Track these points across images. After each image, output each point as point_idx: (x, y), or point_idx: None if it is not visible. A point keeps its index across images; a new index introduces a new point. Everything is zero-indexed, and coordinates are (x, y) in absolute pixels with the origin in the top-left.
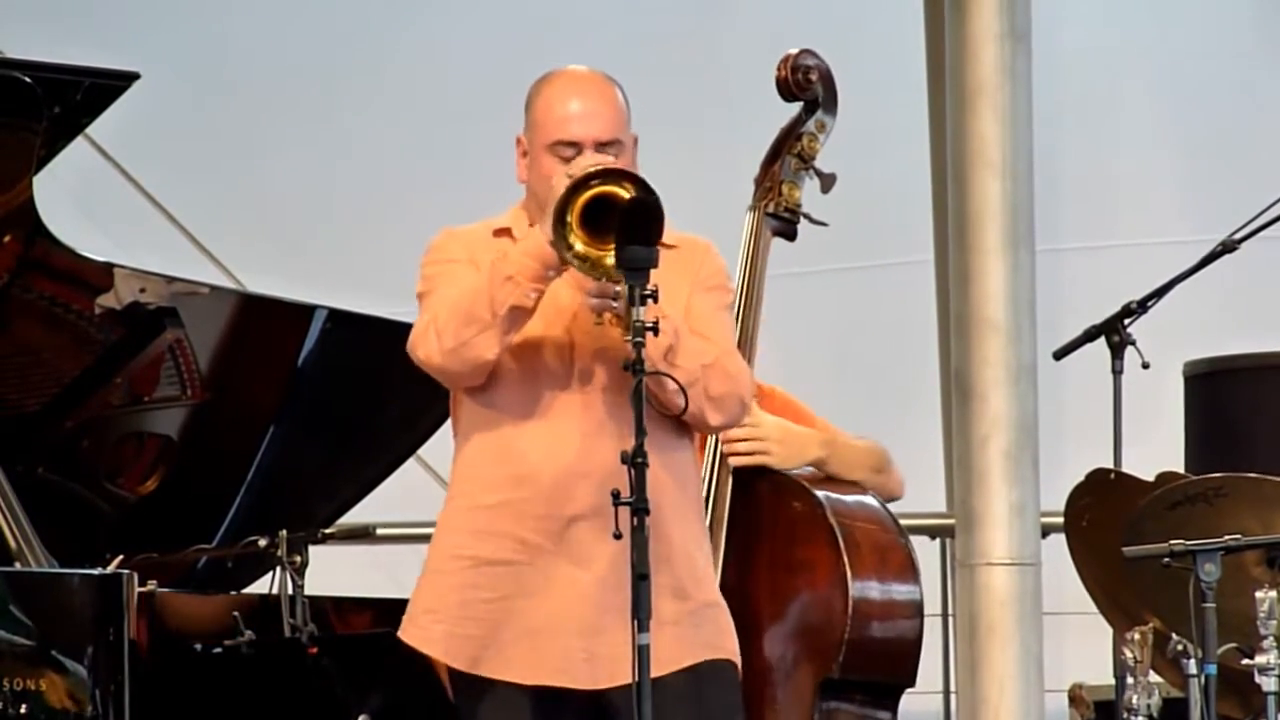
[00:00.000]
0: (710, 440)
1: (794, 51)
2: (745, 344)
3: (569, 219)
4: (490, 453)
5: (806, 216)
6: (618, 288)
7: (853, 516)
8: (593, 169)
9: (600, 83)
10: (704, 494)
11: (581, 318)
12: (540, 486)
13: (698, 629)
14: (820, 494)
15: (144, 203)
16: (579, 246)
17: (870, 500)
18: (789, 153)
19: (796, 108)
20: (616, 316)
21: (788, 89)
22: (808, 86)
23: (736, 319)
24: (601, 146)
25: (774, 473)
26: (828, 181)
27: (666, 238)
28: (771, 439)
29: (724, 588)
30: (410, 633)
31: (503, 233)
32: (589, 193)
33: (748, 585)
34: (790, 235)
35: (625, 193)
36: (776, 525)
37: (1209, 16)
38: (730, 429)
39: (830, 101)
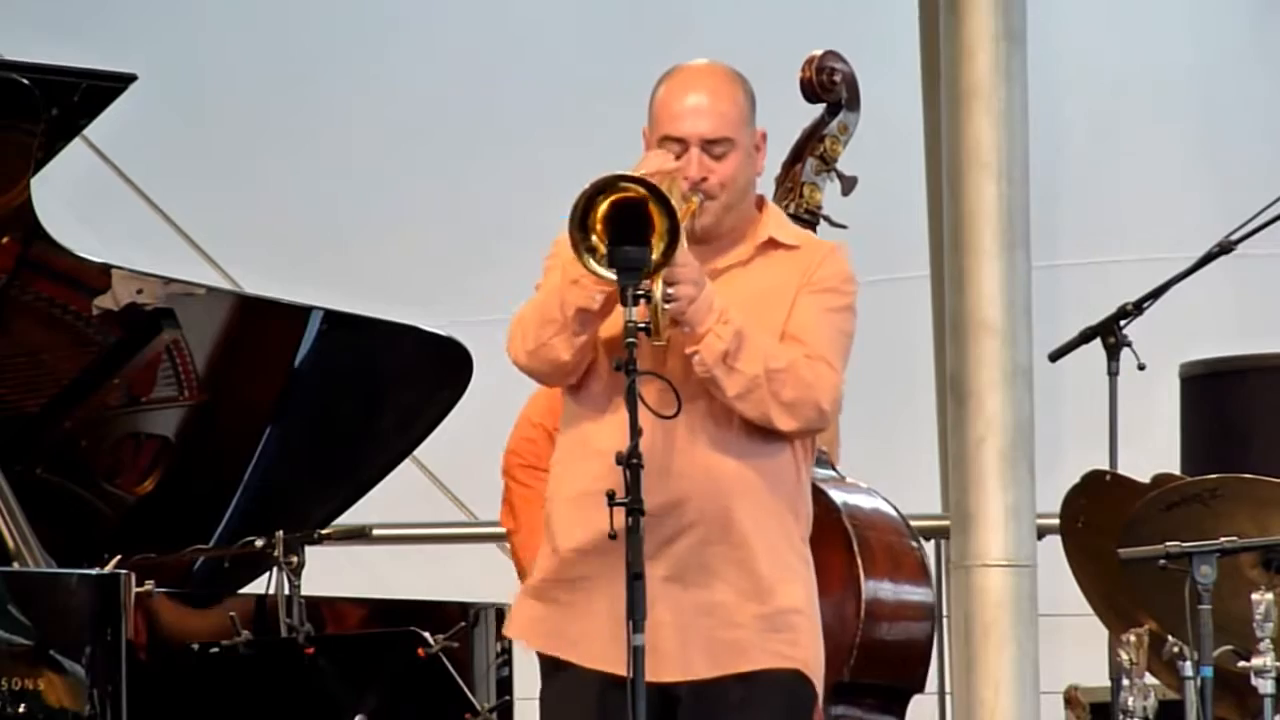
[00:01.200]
0: None
1: (818, 53)
2: None
3: (590, 223)
4: (575, 447)
5: (827, 219)
6: (657, 292)
7: (867, 521)
8: (614, 175)
9: (717, 79)
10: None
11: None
12: (614, 481)
13: (773, 634)
14: (837, 498)
15: (141, 204)
16: (601, 248)
17: (884, 505)
18: (811, 154)
19: (816, 109)
20: (670, 319)
21: (812, 90)
22: (832, 88)
23: None
24: (708, 144)
25: None
26: (849, 184)
27: (788, 238)
28: None
29: None
30: (514, 629)
31: None
32: (614, 195)
33: None
34: None
35: (643, 200)
36: None
37: (1207, 27)
38: (808, 436)
39: (853, 104)
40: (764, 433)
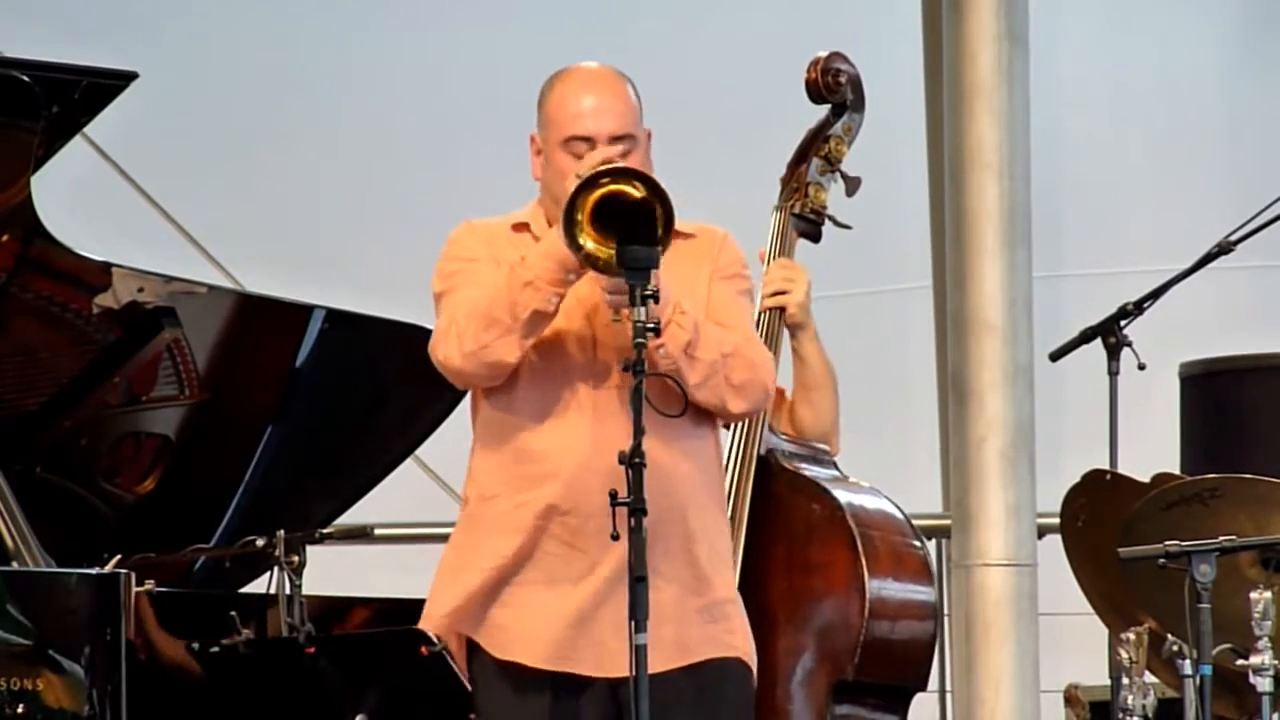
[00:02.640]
0: (731, 438)
1: (823, 54)
2: (772, 342)
3: (578, 217)
4: (510, 449)
5: (832, 219)
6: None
7: (870, 519)
8: (601, 168)
9: (612, 78)
10: (726, 488)
11: (602, 312)
12: (559, 483)
13: (712, 625)
14: (841, 497)
15: (142, 202)
16: (589, 245)
17: (888, 505)
18: (816, 154)
19: (821, 109)
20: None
21: (817, 91)
22: (837, 89)
23: (762, 318)
24: (615, 140)
25: (793, 473)
26: (853, 184)
27: (684, 226)
28: (800, 291)
29: (740, 587)
30: (432, 623)
31: (521, 227)
32: (598, 192)
33: (764, 585)
34: (815, 237)
35: (635, 192)
36: (794, 526)
37: (1202, 40)
38: (753, 415)
39: (858, 105)
40: (698, 420)
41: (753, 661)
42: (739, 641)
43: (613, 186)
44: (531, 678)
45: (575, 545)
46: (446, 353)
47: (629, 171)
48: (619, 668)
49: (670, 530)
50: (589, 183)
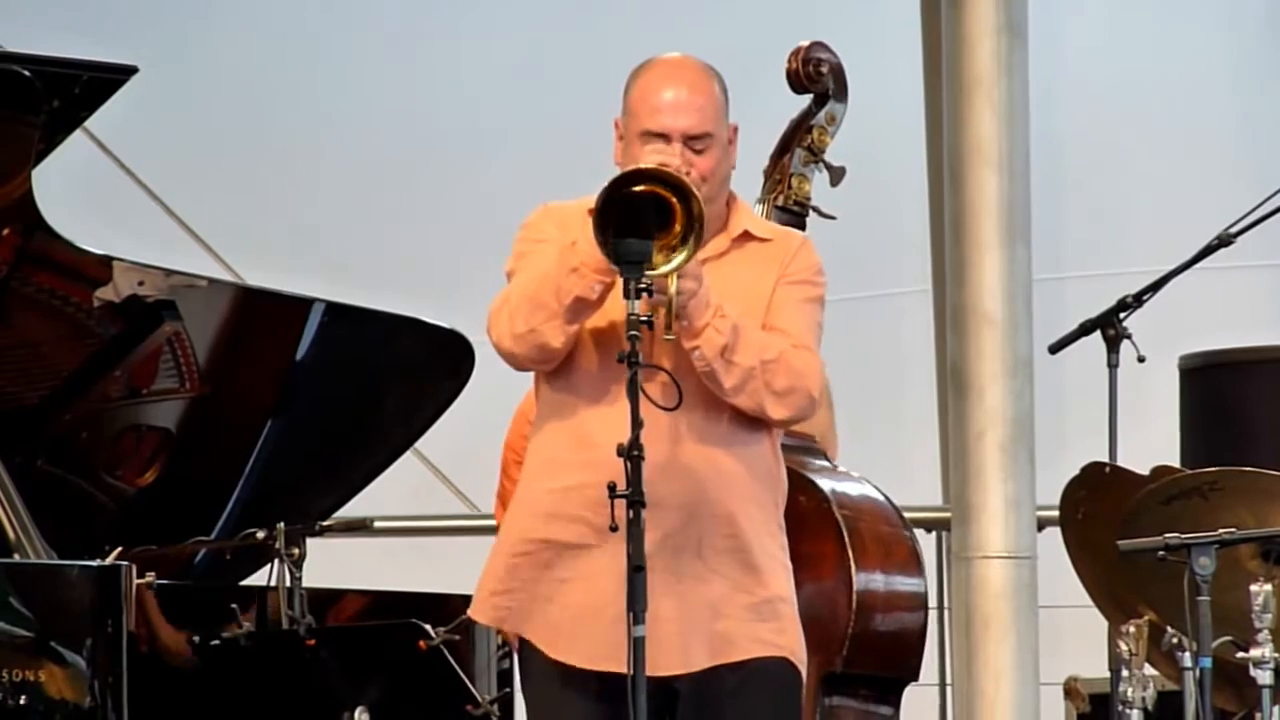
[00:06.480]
0: None
1: (805, 44)
2: None
3: (609, 219)
4: (563, 437)
5: (816, 210)
6: (671, 288)
7: (858, 511)
8: (641, 167)
9: (696, 72)
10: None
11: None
12: (609, 473)
13: (761, 623)
14: (826, 488)
15: (142, 196)
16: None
17: (875, 494)
18: (799, 145)
19: (806, 100)
20: (667, 313)
21: (798, 81)
22: (818, 79)
23: None
24: (691, 140)
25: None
26: (837, 174)
27: (762, 230)
28: None
29: None
30: (480, 611)
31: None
32: (631, 189)
33: None
34: (800, 228)
35: (667, 195)
36: None
37: (1205, 34)
38: (796, 421)
39: (841, 94)
40: (747, 423)
41: (801, 662)
42: (788, 641)
43: (649, 188)
44: (581, 675)
45: (623, 537)
46: (498, 333)
47: (662, 176)
48: (672, 664)
49: (718, 529)
50: (621, 182)
